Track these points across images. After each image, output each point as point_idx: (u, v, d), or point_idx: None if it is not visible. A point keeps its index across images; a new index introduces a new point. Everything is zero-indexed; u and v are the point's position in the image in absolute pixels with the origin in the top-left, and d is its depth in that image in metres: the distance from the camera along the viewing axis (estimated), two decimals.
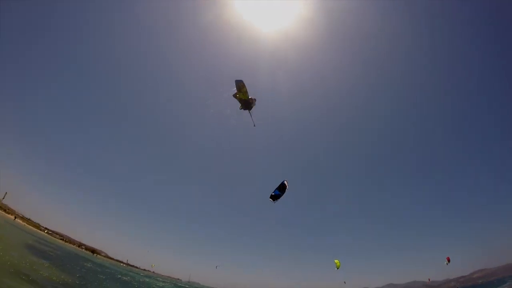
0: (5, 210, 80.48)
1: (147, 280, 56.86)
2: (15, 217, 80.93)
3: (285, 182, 14.39)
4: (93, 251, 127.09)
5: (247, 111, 13.36)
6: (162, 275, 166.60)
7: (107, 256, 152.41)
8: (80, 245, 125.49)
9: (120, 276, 41.22)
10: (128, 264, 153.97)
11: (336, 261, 34.55)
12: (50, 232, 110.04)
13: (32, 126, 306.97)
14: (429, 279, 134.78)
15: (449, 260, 47.57)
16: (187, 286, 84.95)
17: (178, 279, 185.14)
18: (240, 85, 11.91)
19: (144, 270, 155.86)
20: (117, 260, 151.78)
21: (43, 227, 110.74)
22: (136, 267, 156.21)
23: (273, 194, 14.29)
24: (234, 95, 12.69)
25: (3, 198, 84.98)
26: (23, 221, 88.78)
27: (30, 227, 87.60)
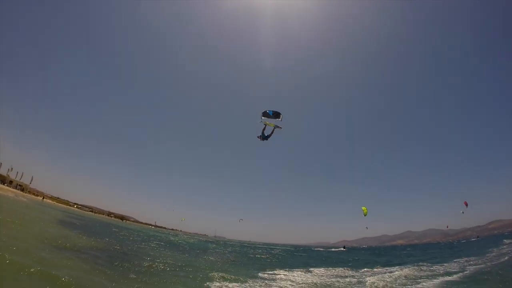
0: (33, 194, 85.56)
1: (175, 238, 61.78)
2: (43, 198, 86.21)
3: (281, 118, 14.43)
4: (122, 217, 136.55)
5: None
6: (190, 233, 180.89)
7: (136, 221, 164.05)
8: (109, 214, 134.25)
9: (149, 237, 44.90)
10: (156, 226, 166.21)
11: (363, 208, 35.40)
12: (79, 207, 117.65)
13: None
14: (447, 226, 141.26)
15: (467, 205, 47.10)
16: (214, 240, 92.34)
17: (205, 234, 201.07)
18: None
19: (172, 229, 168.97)
20: (146, 223, 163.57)
21: (72, 203, 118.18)
22: (164, 228, 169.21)
23: (267, 111, 14.37)
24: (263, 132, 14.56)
25: (30, 183, 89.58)
26: (52, 200, 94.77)
27: (60, 204, 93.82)
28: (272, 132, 14.46)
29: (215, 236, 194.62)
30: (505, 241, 45.98)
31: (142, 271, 12.97)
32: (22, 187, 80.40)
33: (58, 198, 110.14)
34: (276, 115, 14.28)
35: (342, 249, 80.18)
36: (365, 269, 23.49)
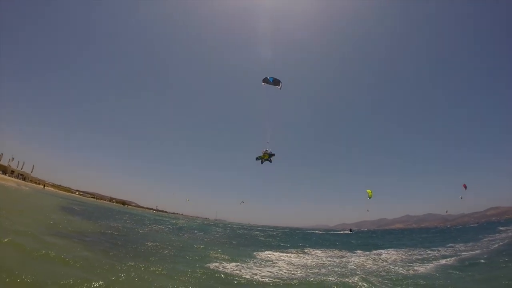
0: (35, 182, 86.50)
1: (177, 221, 63.19)
2: (44, 186, 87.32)
3: (280, 86, 15.20)
4: (123, 203, 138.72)
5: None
6: (191, 216, 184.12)
7: (137, 206, 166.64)
8: (110, 199, 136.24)
9: (150, 221, 46.04)
10: (157, 210, 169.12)
11: (368, 190, 35.69)
12: (81, 193, 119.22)
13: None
14: (446, 211, 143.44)
15: (465, 188, 46.95)
16: (214, 223, 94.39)
17: (206, 218, 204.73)
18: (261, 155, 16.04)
19: (173, 213, 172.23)
20: (147, 208, 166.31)
21: (74, 189, 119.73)
22: (166, 212, 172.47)
23: (268, 78, 15.03)
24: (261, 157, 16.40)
25: (31, 172, 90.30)
26: (54, 188, 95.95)
27: (62, 192, 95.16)
28: (270, 160, 16.19)
29: (216, 219, 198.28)
30: (500, 228, 46.75)
31: (145, 252, 13.76)
32: (23, 177, 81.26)
33: (59, 185, 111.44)
34: (276, 82, 15.13)
35: (349, 231, 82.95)
36: (359, 251, 24.45)
